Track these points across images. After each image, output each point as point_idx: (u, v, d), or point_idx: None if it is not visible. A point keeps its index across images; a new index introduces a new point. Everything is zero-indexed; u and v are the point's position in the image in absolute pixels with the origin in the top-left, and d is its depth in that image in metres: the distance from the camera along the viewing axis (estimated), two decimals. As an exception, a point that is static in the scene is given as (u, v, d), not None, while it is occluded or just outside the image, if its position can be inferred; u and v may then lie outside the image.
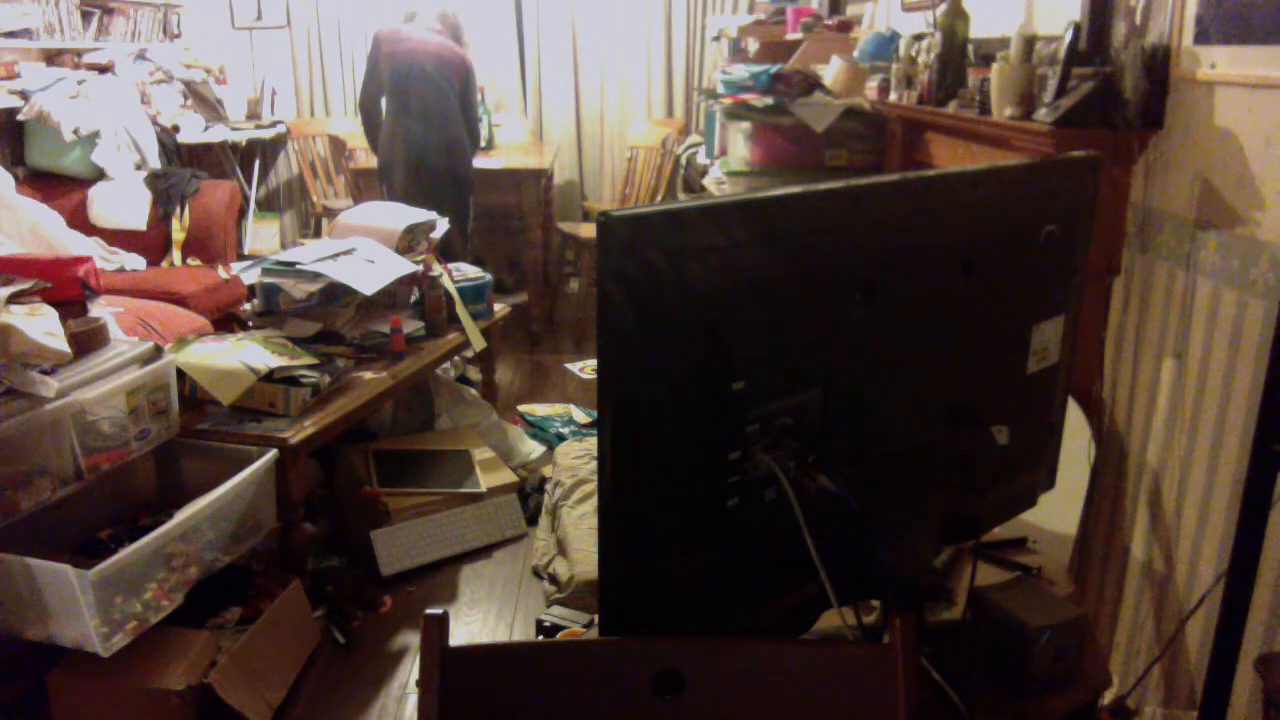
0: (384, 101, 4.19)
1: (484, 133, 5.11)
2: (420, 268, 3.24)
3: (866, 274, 1.00)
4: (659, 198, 5.17)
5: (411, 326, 3.16)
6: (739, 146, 3.37)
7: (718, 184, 3.60)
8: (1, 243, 3.38)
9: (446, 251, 3.78)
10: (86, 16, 4.55)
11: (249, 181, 5.42)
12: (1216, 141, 1.79)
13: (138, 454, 2.26)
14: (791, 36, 3.98)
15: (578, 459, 3.24)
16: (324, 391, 2.66)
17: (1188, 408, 1.89)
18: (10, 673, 2.11)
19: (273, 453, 2.38)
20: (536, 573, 2.86)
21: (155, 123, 4.56)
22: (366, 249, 3.11)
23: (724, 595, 1.01)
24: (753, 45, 4.25)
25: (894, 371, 1.08)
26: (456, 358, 3.70)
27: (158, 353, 2.33)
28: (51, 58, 4.42)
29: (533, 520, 3.12)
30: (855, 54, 3.40)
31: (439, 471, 3.08)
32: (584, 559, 2.65)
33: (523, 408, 4.02)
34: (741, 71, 3.35)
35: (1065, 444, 1.38)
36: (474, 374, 4.01)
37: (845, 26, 3.83)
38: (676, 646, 0.93)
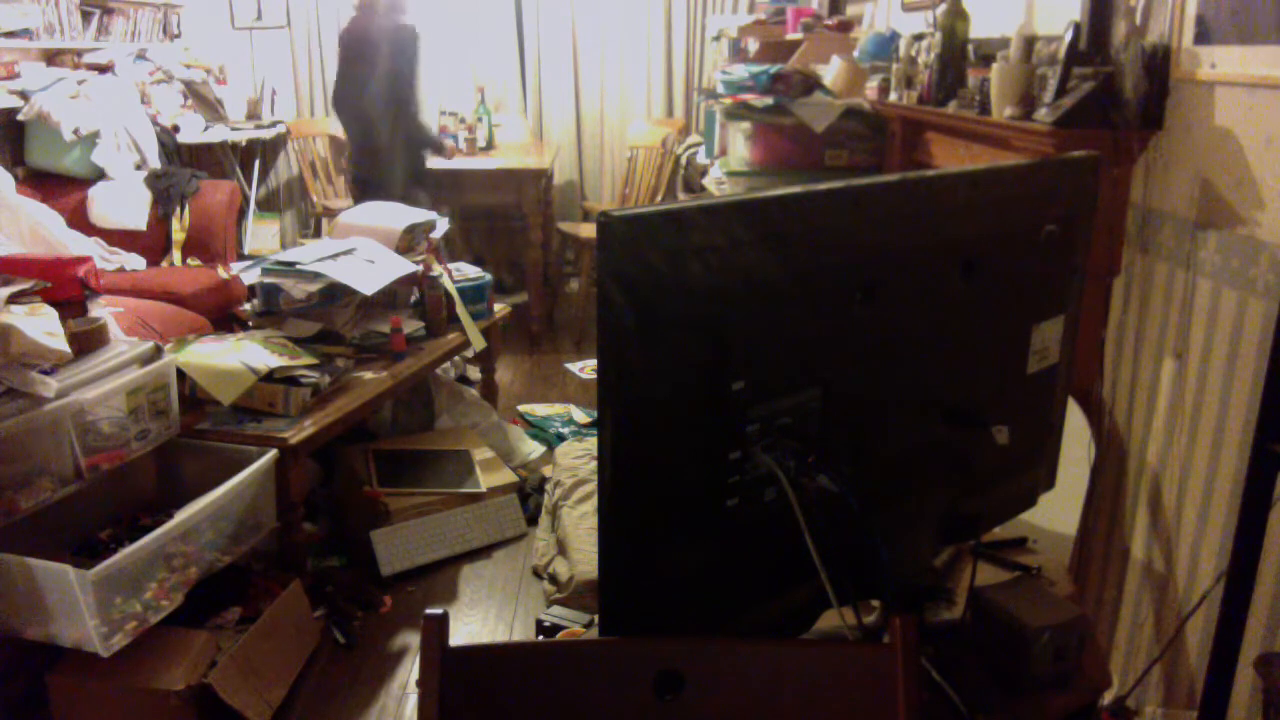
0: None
1: (483, 132, 5.13)
2: (420, 268, 3.24)
3: (866, 274, 1.00)
4: (659, 198, 5.17)
5: (411, 326, 3.16)
6: (739, 146, 3.37)
7: (718, 184, 3.60)
8: (1, 243, 3.38)
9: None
10: (86, 16, 4.55)
11: (249, 181, 5.42)
12: (1216, 141, 1.79)
13: (138, 454, 2.26)
14: (791, 36, 3.98)
15: (578, 459, 3.24)
16: (324, 391, 2.66)
17: (1188, 408, 1.89)
18: (10, 673, 2.11)
19: (273, 453, 2.38)
20: (536, 573, 2.86)
21: (155, 123, 4.56)
22: (366, 249, 3.11)
23: (724, 595, 1.01)
24: (753, 45, 4.25)
25: (894, 371, 1.08)
26: (456, 358, 3.70)
27: (158, 353, 2.32)
28: (51, 58, 4.42)
29: (533, 520, 3.12)
30: (855, 54, 3.40)
31: (439, 471, 3.08)
32: (584, 559, 2.65)
33: (523, 408, 4.02)
34: (741, 71, 3.35)
35: (1065, 444, 1.38)
36: (474, 374, 4.01)
37: (845, 26, 3.83)
38: (676, 646, 0.93)
